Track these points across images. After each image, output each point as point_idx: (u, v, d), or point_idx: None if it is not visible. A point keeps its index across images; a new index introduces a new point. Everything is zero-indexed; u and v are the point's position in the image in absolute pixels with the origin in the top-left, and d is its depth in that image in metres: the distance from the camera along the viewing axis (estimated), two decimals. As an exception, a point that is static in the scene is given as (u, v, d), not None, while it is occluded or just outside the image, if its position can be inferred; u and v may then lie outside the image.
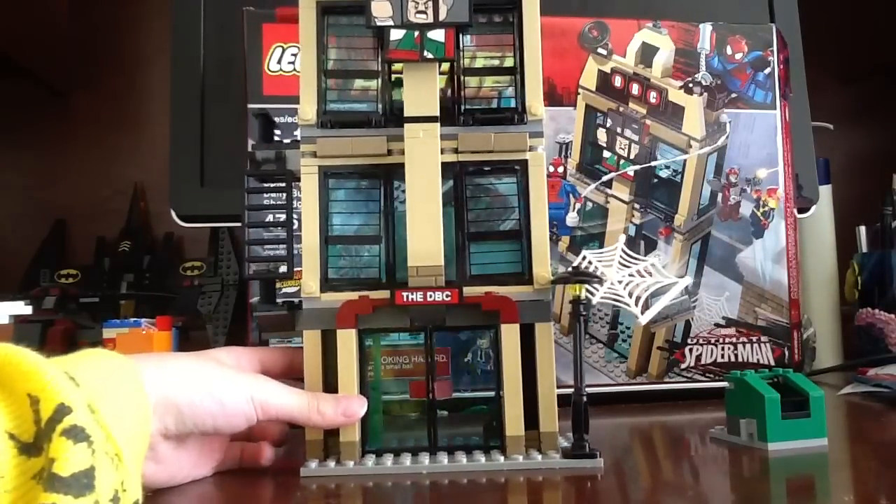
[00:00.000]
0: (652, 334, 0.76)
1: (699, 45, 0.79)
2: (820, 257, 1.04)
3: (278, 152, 0.52)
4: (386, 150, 0.49)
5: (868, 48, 1.27)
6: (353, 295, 0.48)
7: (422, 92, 0.49)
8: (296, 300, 0.50)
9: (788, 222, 0.80)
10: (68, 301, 1.00)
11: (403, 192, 0.48)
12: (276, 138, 0.55)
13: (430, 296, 0.47)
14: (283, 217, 0.50)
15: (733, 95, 0.79)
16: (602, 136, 0.77)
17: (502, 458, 0.47)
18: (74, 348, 0.38)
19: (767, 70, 0.80)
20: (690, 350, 0.77)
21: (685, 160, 0.77)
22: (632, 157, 0.77)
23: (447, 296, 0.47)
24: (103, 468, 0.30)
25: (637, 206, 0.77)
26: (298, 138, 0.50)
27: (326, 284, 0.49)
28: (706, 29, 0.79)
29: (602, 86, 0.77)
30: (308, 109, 0.50)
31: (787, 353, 0.78)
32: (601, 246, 0.75)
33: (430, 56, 0.48)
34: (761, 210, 0.79)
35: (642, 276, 0.59)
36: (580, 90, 0.77)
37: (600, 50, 0.77)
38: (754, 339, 0.78)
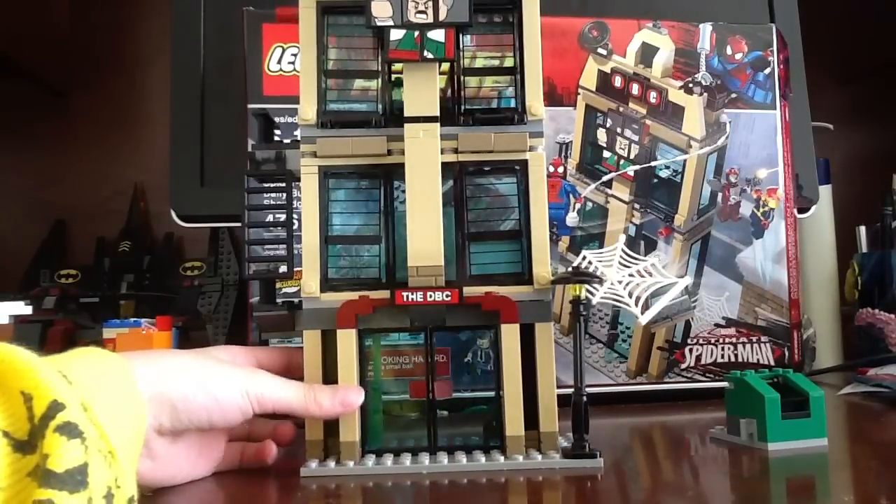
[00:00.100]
0: (652, 334, 0.76)
1: (699, 45, 0.79)
2: (820, 257, 1.04)
3: (278, 152, 0.52)
4: (386, 150, 0.49)
5: (868, 48, 1.27)
6: (353, 295, 0.48)
7: (422, 92, 0.49)
8: (296, 300, 0.50)
9: (788, 222, 0.80)
10: (68, 301, 0.99)
11: (403, 192, 0.48)
12: (276, 138, 0.55)
13: (430, 296, 0.47)
14: (283, 217, 0.50)
15: (733, 95, 0.79)
16: (602, 136, 0.77)
17: (502, 458, 0.47)
18: (74, 348, 0.38)
19: (767, 70, 0.80)
20: (690, 350, 0.77)
21: (685, 160, 0.77)
22: (632, 157, 0.77)
23: (447, 296, 0.47)
24: (96, 465, 0.30)
25: (637, 206, 0.77)
26: (298, 138, 0.50)
27: (326, 284, 0.49)
28: (706, 29, 0.79)
29: (602, 86, 0.77)
30: (308, 109, 0.50)
31: (787, 353, 0.78)
32: (601, 246, 0.75)
33: (430, 56, 0.48)
34: (761, 210, 0.79)
35: (642, 276, 0.59)
36: (580, 90, 0.77)
37: (600, 50, 0.78)
38: (754, 339, 0.78)
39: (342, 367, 0.48)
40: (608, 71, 0.77)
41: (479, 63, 0.52)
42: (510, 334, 0.48)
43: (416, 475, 0.45)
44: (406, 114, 0.49)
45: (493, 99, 0.51)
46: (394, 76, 0.51)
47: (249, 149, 0.53)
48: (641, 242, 0.76)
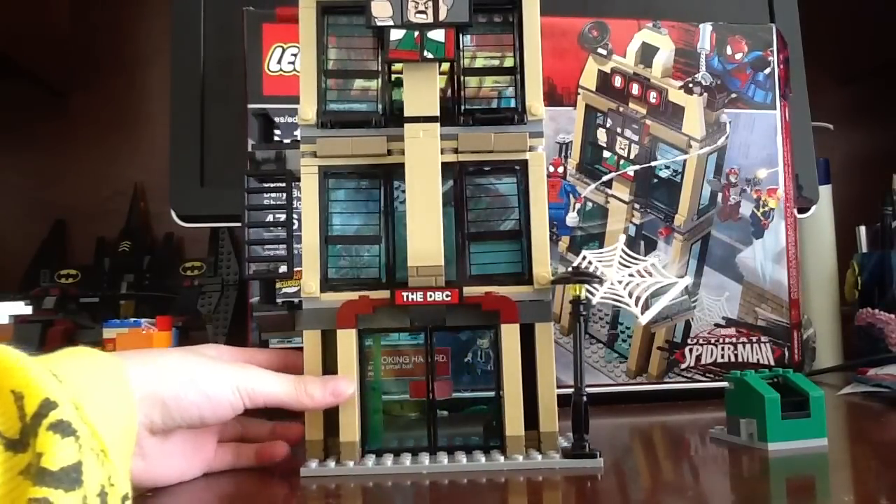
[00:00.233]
0: (652, 334, 0.76)
1: (699, 45, 0.79)
2: (820, 257, 1.04)
3: (278, 152, 0.52)
4: (386, 150, 0.49)
5: (868, 48, 1.27)
6: (353, 295, 0.48)
7: (422, 92, 0.49)
8: (296, 300, 0.50)
9: (788, 222, 0.80)
10: (68, 301, 0.99)
11: (403, 192, 0.48)
12: (276, 138, 0.55)
13: (430, 296, 0.47)
14: (283, 217, 0.50)
15: (733, 95, 0.79)
16: (602, 136, 0.77)
17: (502, 458, 0.47)
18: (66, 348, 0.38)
19: (767, 70, 0.80)
20: (690, 350, 0.77)
21: (685, 160, 0.77)
22: (632, 157, 0.77)
23: (447, 296, 0.47)
24: (90, 463, 0.30)
25: (637, 206, 0.77)
26: (298, 138, 0.50)
27: (326, 284, 0.49)
28: (706, 29, 0.79)
29: (602, 86, 0.77)
30: (308, 109, 0.50)
31: (787, 353, 0.78)
32: (601, 246, 0.75)
33: (430, 56, 0.48)
34: (761, 210, 0.79)
35: (642, 276, 0.59)
36: (580, 90, 0.77)
37: (600, 50, 0.77)
38: (754, 339, 0.78)
39: (342, 368, 0.48)
40: (608, 71, 0.77)
41: (479, 63, 0.52)
42: (510, 334, 0.48)
43: (416, 475, 0.45)
44: (406, 114, 0.49)
45: (493, 99, 0.51)
46: (394, 76, 0.51)
47: (249, 149, 0.53)
48: (641, 242, 0.76)
